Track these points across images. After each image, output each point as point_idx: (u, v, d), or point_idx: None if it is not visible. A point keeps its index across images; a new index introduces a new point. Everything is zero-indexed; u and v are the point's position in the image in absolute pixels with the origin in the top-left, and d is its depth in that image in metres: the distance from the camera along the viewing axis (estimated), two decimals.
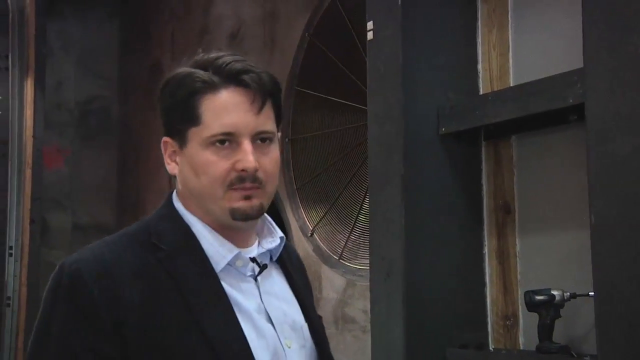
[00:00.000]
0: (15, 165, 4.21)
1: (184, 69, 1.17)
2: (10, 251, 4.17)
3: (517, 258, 2.29)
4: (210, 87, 1.14)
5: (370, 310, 2.35)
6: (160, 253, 1.13)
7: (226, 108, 1.13)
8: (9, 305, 4.13)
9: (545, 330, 2.02)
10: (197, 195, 1.16)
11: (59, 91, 4.92)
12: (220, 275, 1.15)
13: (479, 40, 2.42)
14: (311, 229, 3.45)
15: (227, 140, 1.12)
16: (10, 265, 4.16)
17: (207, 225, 1.17)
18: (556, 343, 2.02)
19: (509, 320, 2.28)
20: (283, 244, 1.24)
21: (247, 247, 1.19)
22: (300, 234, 3.47)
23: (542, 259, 2.22)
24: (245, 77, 1.13)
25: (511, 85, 2.31)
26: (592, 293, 1.83)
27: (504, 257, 2.32)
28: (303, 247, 3.43)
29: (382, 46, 2.36)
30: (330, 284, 3.32)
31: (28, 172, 4.23)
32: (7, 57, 4.24)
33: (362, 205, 3.25)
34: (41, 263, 4.41)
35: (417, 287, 2.24)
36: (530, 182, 2.28)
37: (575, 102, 1.92)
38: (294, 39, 3.59)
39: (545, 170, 2.24)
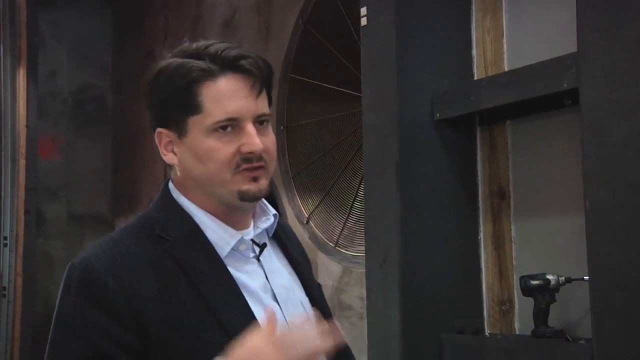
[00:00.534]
0: (9, 155, 4.19)
1: (174, 60, 1.17)
2: (5, 241, 4.16)
3: (513, 243, 2.29)
4: (209, 75, 1.14)
5: (367, 297, 2.36)
6: (166, 244, 1.14)
7: (227, 94, 1.14)
8: (4, 295, 4.12)
9: (540, 315, 2.03)
10: (203, 183, 1.17)
11: (52, 81, 4.89)
12: (226, 261, 1.17)
13: (473, 25, 2.41)
14: (307, 216, 3.45)
15: (230, 125, 1.14)
16: (6, 256, 4.15)
17: (207, 213, 1.18)
18: (551, 327, 2.02)
19: (504, 305, 2.28)
20: (277, 221, 1.26)
21: (245, 229, 1.21)
22: (296, 221, 3.47)
23: (537, 244, 2.22)
24: (243, 63, 1.15)
25: (506, 70, 2.30)
26: (587, 277, 1.84)
27: (499, 243, 2.32)
28: (299, 234, 3.41)
29: (376, 32, 2.35)
30: (327, 271, 3.32)
31: (22, 163, 4.21)
32: None
33: (357, 192, 3.25)
34: (37, 253, 4.41)
35: (413, 274, 2.24)
36: (525, 167, 2.28)
37: (570, 87, 1.92)
38: (288, 27, 3.57)
39: (540, 155, 2.24)
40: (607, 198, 1.77)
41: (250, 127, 1.15)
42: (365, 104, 2.39)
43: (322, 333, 1.09)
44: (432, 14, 2.36)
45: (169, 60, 1.18)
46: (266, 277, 1.20)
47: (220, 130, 1.14)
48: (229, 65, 1.15)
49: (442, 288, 2.28)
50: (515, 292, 2.24)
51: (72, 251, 4.94)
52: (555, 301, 2.03)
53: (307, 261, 1.36)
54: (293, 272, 1.27)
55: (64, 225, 4.94)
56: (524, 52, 2.25)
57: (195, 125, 1.15)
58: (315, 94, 3.46)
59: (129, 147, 4.91)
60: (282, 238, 1.30)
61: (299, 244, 1.35)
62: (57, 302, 1.13)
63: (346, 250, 3.28)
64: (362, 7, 2.38)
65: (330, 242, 3.33)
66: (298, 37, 3.53)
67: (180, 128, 1.16)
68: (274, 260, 1.25)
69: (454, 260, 2.32)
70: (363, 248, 3.05)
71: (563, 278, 2.02)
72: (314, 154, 3.48)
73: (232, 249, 1.18)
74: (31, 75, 4.27)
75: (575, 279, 1.99)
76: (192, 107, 1.14)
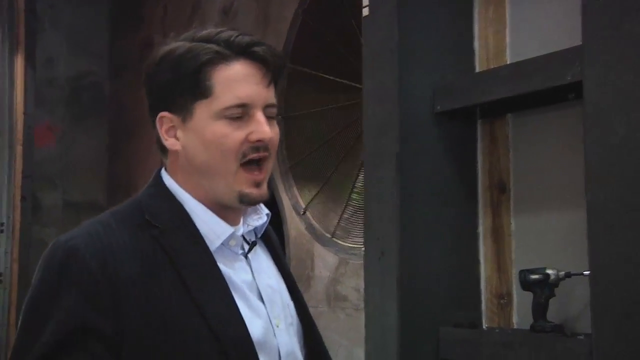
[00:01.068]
0: (7, 141, 4.17)
1: (182, 44, 1.14)
2: (2, 228, 4.15)
3: (512, 237, 2.28)
4: (222, 58, 1.12)
5: (364, 289, 2.35)
6: (154, 230, 1.11)
7: (239, 80, 1.12)
8: (0, 281, 4.12)
9: (539, 309, 2.02)
10: (205, 171, 1.14)
11: (50, 67, 4.86)
12: (214, 254, 1.14)
13: (476, 17, 2.39)
14: (304, 207, 3.44)
15: (239, 112, 1.12)
16: (2, 242, 4.14)
17: (200, 203, 1.16)
18: (550, 322, 2.02)
19: (502, 299, 2.28)
20: (268, 220, 1.24)
21: (236, 225, 1.18)
22: (293, 212, 3.46)
23: (536, 238, 2.21)
24: (257, 50, 1.13)
25: (508, 63, 2.29)
26: (587, 272, 1.83)
27: (498, 236, 2.31)
28: (296, 225, 3.42)
29: (378, 23, 2.33)
30: (323, 262, 3.31)
31: (19, 149, 4.20)
32: None
33: (354, 183, 3.24)
34: (32, 240, 4.39)
35: (411, 266, 2.24)
36: (525, 160, 2.27)
37: (574, 80, 1.91)
38: (287, 16, 3.55)
39: (541, 149, 2.22)
40: (609, 193, 1.76)
41: (260, 115, 1.13)
42: (366, 95, 2.38)
43: None
44: (434, 5, 2.34)
45: (176, 43, 1.15)
46: (253, 275, 1.18)
47: (229, 115, 1.12)
48: (242, 50, 1.13)
49: (440, 281, 2.28)
50: (514, 286, 2.24)
51: None
52: (555, 296, 2.03)
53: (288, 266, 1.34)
54: (279, 275, 1.25)
55: (59, 212, 4.92)
56: (526, 45, 2.23)
57: (203, 109, 1.12)
58: (313, 84, 3.45)
59: (126, 134, 4.89)
60: (271, 239, 1.28)
61: (279, 246, 1.33)
62: (35, 279, 1.10)
63: (343, 241, 3.27)
64: None
65: (327, 233, 3.33)
66: (297, 27, 3.51)
67: (186, 112, 1.13)
68: (262, 260, 1.23)
69: (452, 253, 2.31)
70: (359, 240, 3.05)
71: (562, 273, 2.01)
72: (312, 145, 3.46)
73: (222, 243, 1.15)
74: (29, 62, 4.25)
75: (575, 274, 1.98)
76: (202, 90, 1.12)
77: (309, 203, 3.43)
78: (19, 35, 4.23)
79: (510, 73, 2.13)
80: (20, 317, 1.10)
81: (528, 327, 2.08)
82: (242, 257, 1.18)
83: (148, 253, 1.09)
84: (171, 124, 1.15)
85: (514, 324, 2.25)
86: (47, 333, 1.05)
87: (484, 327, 2.30)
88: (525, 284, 2.05)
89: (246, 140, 1.12)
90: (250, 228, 1.20)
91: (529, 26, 2.26)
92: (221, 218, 1.16)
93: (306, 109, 3.50)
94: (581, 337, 1.91)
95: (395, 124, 2.26)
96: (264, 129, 1.12)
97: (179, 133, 1.15)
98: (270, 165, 1.16)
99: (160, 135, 1.16)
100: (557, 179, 2.17)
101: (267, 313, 1.16)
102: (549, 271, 2.02)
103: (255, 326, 1.13)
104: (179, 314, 1.07)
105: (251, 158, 1.13)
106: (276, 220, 3.49)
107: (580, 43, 1.86)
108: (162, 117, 1.16)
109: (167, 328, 1.06)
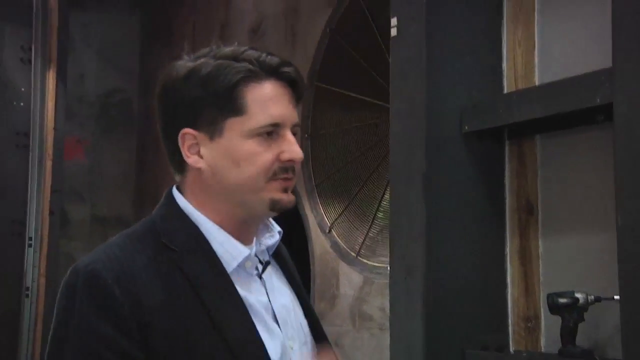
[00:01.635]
0: (36, 156, 4.23)
1: (206, 60, 1.14)
2: (30, 242, 4.19)
3: (540, 259, 2.25)
4: (255, 77, 1.13)
5: (390, 309, 2.33)
6: (172, 253, 1.11)
7: (272, 99, 1.13)
8: (27, 295, 4.15)
9: (568, 334, 1.99)
10: (233, 188, 1.13)
11: (81, 83, 4.94)
12: (230, 275, 1.14)
13: (504, 37, 2.39)
14: (329, 225, 3.43)
15: (272, 131, 1.12)
16: (30, 256, 4.18)
17: (215, 224, 1.15)
18: (579, 347, 1.99)
19: (530, 322, 2.25)
20: (280, 238, 1.23)
21: (250, 245, 1.18)
22: (319, 230, 3.46)
23: (565, 261, 2.18)
24: (287, 70, 1.14)
25: (537, 84, 2.28)
26: (617, 297, 1.80)
27: (526, 258, 2.29)
28: (321, 243, 3.42)
29: (406, 43, 2.33)
30: (348, 281, 3.30)
31: (48, 164, 4.25)
32: (30, 49, 4.26)
33: (380, 202, 3.23)
34: (60, 254, 4.44)
35: (438, 287, 2.22)
36: (554, 182, 2.25)
37: (603, 102, 1.89)
38: (315, 35, 3.57)
39: (570, 171, 2.20)
40: None
41: (290, 135, 1.14)
42: (393, 114, 2.38)
43: None
44: (463, 25, 2.34)
45: (200, 61, 1.14)
46: (267, 296, 1.17)
47: (262, 134, 1.12)
48: (272, 70, 1.14)
49: (467, 302, 2.25)
50: (542, 309, 2.21)
51: None
52: (584, 320, 2.00)
53: (300, 282, 1.32)
54: (292, 292, 1.24)
55: (87, 226, 4.98)
56: (555, 66, 2.22)
57: (235, 127, 1.12)
58: (340, 102, 3.45)
59: (153, 150, 4.93)
60: (283, 256, 1.27)
61: (292, 264, 1.32)
62: (59, 306, 1.09)
63: (368, 260, 3.26)
64: (393, 17, 2.37)
65: (352, 251, 3.32)
66: (325, 46, 3.53)
67: (214, 129, 1.12)
68: (275, 278, 1.22)
69: (479, 274, 2.29)
70: (385, 259, 3.03)
71: (592, 297, 1.98)
72: (338, 163, 3.46)
73: (238, 265, 1.14)
74: (60, 78, 4.31)
75: (605, 298, 1.95)
76: (234, 108, 1.12)
77: (334, 221, 3.43)
78: (51, 52, 4.30)
79: (539, 94, 2.11)
80: (47, 350, 1.09)
81: (556, 352, 2.04)
82: (257, 278, 1.18)
83: (168, 277, 1.09)
84: (194, 141, 1.14)
85: (542, 348, 2.21)
86: (77, 357, 1.04)
87: (511, 350, 2.27)
88: (554, 308, 2.03)
89: (277, 159, 1.13)
90: (263, 247, 1.20)
91: (558, 47, 2.24)
92: (236, 238, 1.15)
93: (333, 127, 3.50)
94: None
95: (422, 144, 2.25)
96: (296, 149, 1.13)
97: (204, 150, 1.14)
98: (294, 184, 1.17)
99: (182, 152, 1.15)
100: (586, 201, 2.15)
101: (282, 334, 1.15)
102: (578, 295, 1.99)
103: (272, 349, 1.12)
104: (200, 339, 1.07)
105: (281, 178, 1.14)
106: (301, 238, 3.49)
107: (610, 65, 1.85)
108: (185, 133, 1.14)
109: (190, 353, 1.06)
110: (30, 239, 4.19)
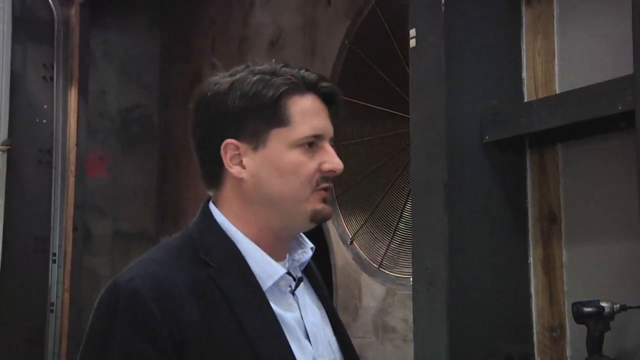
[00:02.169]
0: (59, 173, 4.28)
1: (245, 74, 1.16)
2: (54, 258, 4.23)
3: (564, 268, 2.24)
4: (298, 90, 1.16)
5: (413, 320, 2.32)
6: (210, 270, 1.11)
7: (314, 112, 1.16)
8: (52, 311, 4.19)
9: (594, 343, 1.97)
10: (276, 198, 1.15)
11: (102, 100, 4.99)
12: (266, 293, 1.14)
13: (524, 46, 2.38)
14: (351, 237, 3.43)
15: (314, 142, 1.15)
16: (54, 272, 4.23)
17: (251, 241, 1.16)
18: (606, 356, 1.97)
19: (555, 332, 2.23)
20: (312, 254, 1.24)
21: (283, 261, 1.19)
22: (340, 241, 3.46)
23: (589, 270, 2.17)
24: (326, 86, 1.18)
25: (557, 92, 2.27)
26: None
27: (549, 267, 2.27)
28: (343, 255, 3.42)
29: (425, 53, 2.34)
30: (370, 293, 3.29)
31: (71, 180, 4.30)
32: (52, 67, 4.32)
33: (402, 213, 3.22)
34: (83, 270, 4.47)
35: (461, 297, 2.21)
36: (576, 190, 2.23)
37: (625, 110, 1.88)
38: (334, 47, 3.59)
39: (593, 179, 2.19)
40: None
41: (329, 147, 1.17)
42: (414, 125, 2.38)
43: None
44: (482, 35, 2.34)
45: (239, 75, 1.17)
46: (300, 313, 1.18)
47: (304, 145, 1.14)
48: (312, 86, 1.17)
49: (491, 313, 2.24)
50: (567, 318, 2.19)
51: (118, 268, 5.00)
52: (610, 329, 1.98)
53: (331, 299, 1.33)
54: (322, 309, 1.24)
55: (109, 242, 5.01)
56: (576, 74, 2.21)
57: (279, 137, 1.14)
58: (360, 114, 3.46)
59: (174, 164, 4.97)
60: (314, 272, 1.27)
61: (321, 278, 1.31)
62: (94, 319, 1.09)
63: (390, 271, 3.25)
64: (411, 28, 2.37)
65: (374, 263, 3.31)
66: (344, 58, 3.54)
67: (258, 140, 1.14)
68: (306, 295, 1.22)
69: (502, 284, 2.28)
70: (407, 270, 3.02)
71: (618, 306, 1.97)
72: (359, 174, 3.47)
73: (273, 283, 1.15)
74: (82, 95, 4.37)
75: (630, 307, 1.94)
76: (279, 119, 1.14)
77: (356, 233, 3.43)
78: (72, 69, 4.36)
79: (560, 102, 2.11)
80: (81, 358, 1.10)
81: None
82: (290, 295, 1.18)
83: (205, 294, 1.09)
84: (237, 152, 1.15)
85: (568, 358, 2.19)
86: None
87: None
88: (579, 317, 2.01)
89: (318, 169, 1.15)
90: (297, 263, 1.21)
91: (578, 55, 2.24)
92: (270, 255, 1.16)
93: (353, 139, 3.51)
94: None
95: (443, 154, 2.25)
96: (337, 160, 1.16)
97: (247, 160, 1.15)
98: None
99: (225, 162, 1.16)
100: (610, 209, 2.13)
101: (313, 351, 1.16)
102: (604, 304, 1.97)
103: None
104: (235, 357, 1.08)
105: (322, 188, 1.16)
106: (321, 249, 3.49)
107: (631, 72, 1.84)
108: (227, 144, 1.15)
109: None
110: (54, 254, 4.23)
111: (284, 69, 1.17)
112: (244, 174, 1.15)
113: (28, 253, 4.22)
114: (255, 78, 1.15)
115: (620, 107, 1.90)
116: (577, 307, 2.02)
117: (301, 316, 1.17)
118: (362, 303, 3.32)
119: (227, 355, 1.07)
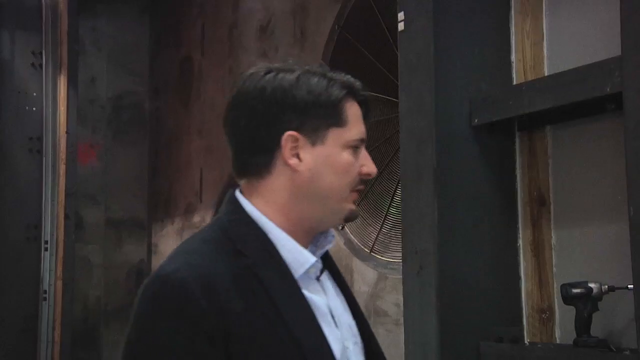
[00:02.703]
0: (50, 161, 4.26)
1: (308, 73, 1.20)
2: (46, 246, 4.23)
3: (553, 250, 2.25)
4: (352, 96, 1.22)
5: (404, 304, 2.33)
6: (247, 260, 1.14)
7: (360, 117, 1.24)
8: (45, 299, 4.19)
9: (582, 324, 1.99)
10: (325, 192, 1.19)
11: (92, 87, 4.97)
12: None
13: (512, 29, 2.38)
14: None
15: (358, 145, 1.22)
16: (46, 260, 4.22)
17: (282, 231, 1.18)
18: (594, 337, 1.98)
19: (544, 314, 2.24)
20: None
21: (307, 248, 1.22)
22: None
23: (578, 252, 2.18)
24: (365, 94, 1.25)
25: (546, 74, 2.27)
26: (631, 286, 1.79)
27: (539, 250, 2.28)
28: (334, 240, 3.42)
29: (414, 37, 2.33)
30: (362, 277, 3.30)
31: (62, 168, 4.28)
32: (40, 54, 4.29)
33: (393, 198, 3.23)
34: (76, 257, 4.47)
35: (451, 281, 2.22)
36: (565, 173, 2.24)
37: (613, 91, 1.88)
38: (324, 32, 3.58)
39: (582, 161, 2.19)
40: None
41: (366, 152, 1.23)
42: (403, 110, 2.38)
43: None
44: (470, 18, 2.33)
45: (299, 71, 1.20)
46: (327, 299, 1.21)
47: (352, 147, 1.21)
48: (356, 93, 1.23)
49: (481, 295, 2.25)
50: (556, 300, 2.20)
51: (109, 255, 5.01)
52: (598, 310, 1.99)
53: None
54: (342, 295, 1.27)
55: (101, 229, 5.01)
56: (564, 57, 2.21)
57: (336, 136, 1.20)
58: None
59: (166, 152, 4.96)
60: (331, 257, 1.30)
61: (335, 263, 1.35)
62: (139, 312, 1.11)
63: (381, 256, 3.26)
64: (400, 12, 2.37)
65: (366, 248, 3.32)
66: (334, 43, 3.53)
67: (317, 136, 1.19)
68: (328, 281, 1.25)
69: (492, 267, 2.29)
70: (398, 254, 3.03)
71: (606, 286, 1.98)
72: None
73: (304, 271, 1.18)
74: (71, 82, 4.34)
75: (618, 288, 1.95)
76: (339, 119, 1.20)
77: None
78: (62, 56, 4.33)
79: (548, 85, 2.11)
80: (128, 351, 1.11)
81: (571, 342, 2.04)
82: (316, 281, 1.21)
83: (246, 285, 1.12)
84: (295, 144, 1.18)
85: (557, 339, 2.21)
86: None
87: (525, 342, 2.27)
88: (568, 298, 2.02)
89: (359, 172, 1.22)
90: (323, 251, 1.24)
91: (567, 37, 2.24)
92: (300, 244, 1.19)
93: None
94: (627, 352, 1.87)
95: (432, 138, 2.25)
96: (373, 165, 1.24)
97: (304, 154, 1.19)
98: None
99: (284, 153, 1.18)
100: (598, 191, 2.14)
101: (340, 334, 1.19)
102: (592, 285, 1.99)
103: (337, 351, 1.16)
104: (278, 347, 1.10)
105: (358, 189, 1.22)
106: None
107: (619, 54, 1.84)
108: (290, 135, 1.18)
109: (267, 357, 1.09)
110: (46, 242, 4.22)
111: (335, 73, 1.23)
112: (301, 167, 1.19)
113: (20, 241, 4.21)
114: (320, 78, 1.21)
115: (608, 89, 1.90)
116: (565, 288, 2.03)
117: (328, 302, 1.21)
118: (354, 288, 3.33)
119: (269, 344, 1.10)
